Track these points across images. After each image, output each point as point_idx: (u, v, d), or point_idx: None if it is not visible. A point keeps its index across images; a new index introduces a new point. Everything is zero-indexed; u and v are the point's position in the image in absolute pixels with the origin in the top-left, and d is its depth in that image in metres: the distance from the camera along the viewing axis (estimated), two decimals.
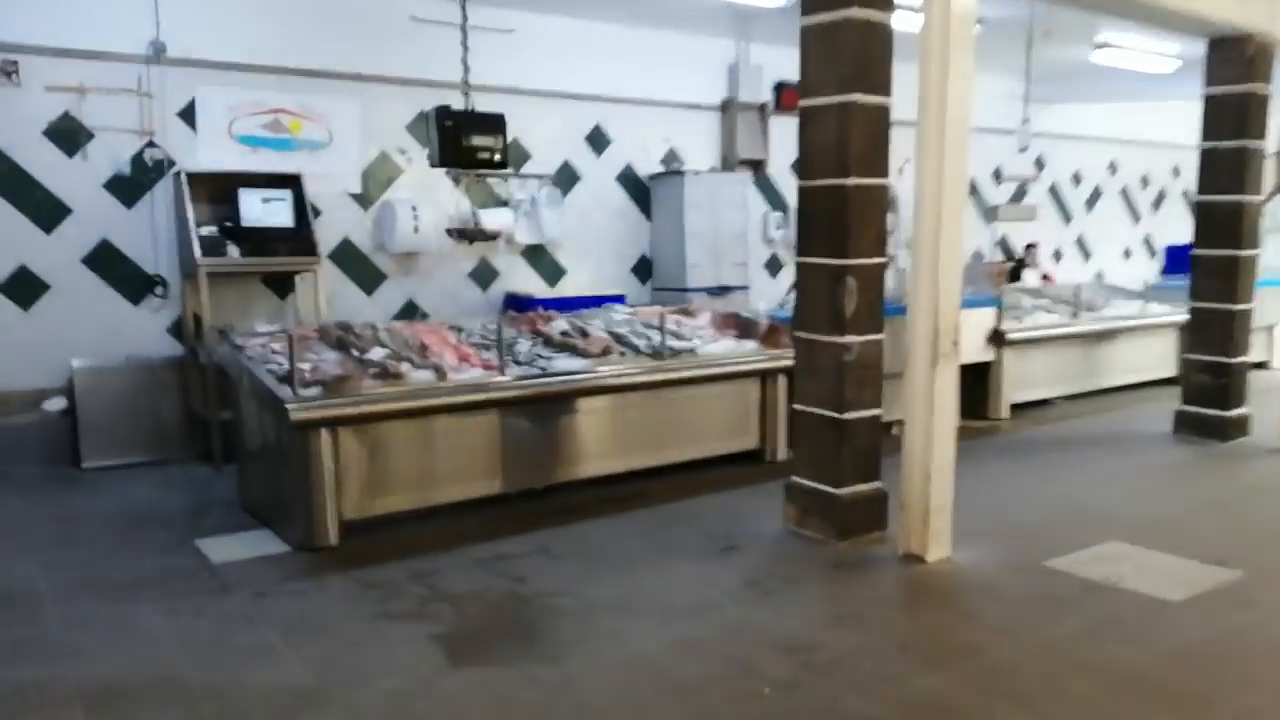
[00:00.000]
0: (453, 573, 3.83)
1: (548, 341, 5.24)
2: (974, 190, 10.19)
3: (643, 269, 8.44)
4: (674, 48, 8.23)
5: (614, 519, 4.56)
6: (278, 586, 3.71)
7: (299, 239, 6.29)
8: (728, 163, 8.72)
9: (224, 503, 4.96)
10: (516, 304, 7.51)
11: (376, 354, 4.62)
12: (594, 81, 7.90)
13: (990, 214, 9.45)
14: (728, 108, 8.70)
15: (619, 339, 5.30)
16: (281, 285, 6.65)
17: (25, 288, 5.80)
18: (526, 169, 7.66)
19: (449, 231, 5.41)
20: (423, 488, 4.47)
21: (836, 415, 4.11)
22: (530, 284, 7.80)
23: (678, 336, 5.46)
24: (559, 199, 7.72)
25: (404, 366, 4.44)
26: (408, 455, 4.41)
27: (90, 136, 5.91)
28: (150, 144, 6.10)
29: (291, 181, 6.40)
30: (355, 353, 4.68)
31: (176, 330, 6.24)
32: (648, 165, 8.33)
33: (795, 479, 4.32)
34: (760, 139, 8.80)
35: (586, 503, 4.78)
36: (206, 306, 5.83)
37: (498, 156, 5.44)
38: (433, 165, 5.32)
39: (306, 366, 4.33)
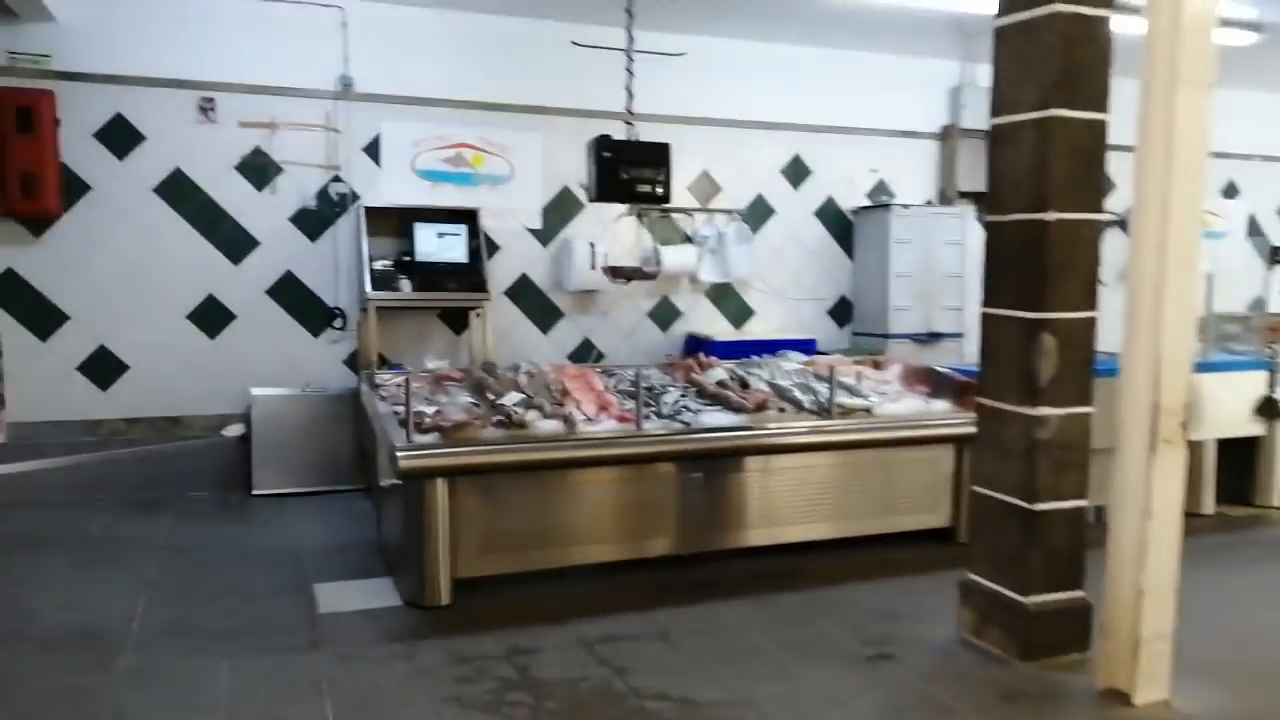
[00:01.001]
0: (551, 653, 3.45)
1: (700, 392, 4.78)
2: (1255, 229, 8.68)
3: (841, 311, 7.79)
4: (887, 70, 7.61)
5: (752, 601, 4.00)
6: (366, 650, 3.48)
7: (471, 274, 6.25)
8: (945, 195, 7.91)
9: (364, 544, 4.87)
10: (697, 346, 7.10)
11: (510, 399, 4.35)
12: (795, 109, 7.44)
13: (1274, 256, 7.98)
14: (947, 135, 7.91)
15: (780, 392, 4.74)
16: (457, 321, 6.63)
17: (213, 317, 6.09)
18: (715, 203, 7.28)
19: (605, 270, 5.07)
20: (545, 547, 4.13)
21: (1025, 505, 3.37)
22: (714, 325, 7.38)
23: (851, 392, 4.82)
24: (748, 235, 7.27)
25: (530, 415, 4.14)
26: (529, 511, 4.09)
27: (279, 171, 6.15)
28: (336, 178, 6.26)
29: (468, 216, 6.38)
30: (491, 397, 4.43)
31: (353, 362, 6.33)
32: (852, 198, 7.71)
33: (972, 576, 3.59)
34: (985, 169, 7.89)
35: (726, 578, 4.26)
36: (374, 340, 5.88)
37: (659, 190, 5.07)
38: (590, 199, 5.04)
39: (430, 410, 4.12)
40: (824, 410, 4.62)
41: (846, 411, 4.65)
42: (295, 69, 6.14)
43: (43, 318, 5.76)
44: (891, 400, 4.90)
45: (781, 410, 4.59)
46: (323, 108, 6.22)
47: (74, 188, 5.74)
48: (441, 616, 3.84)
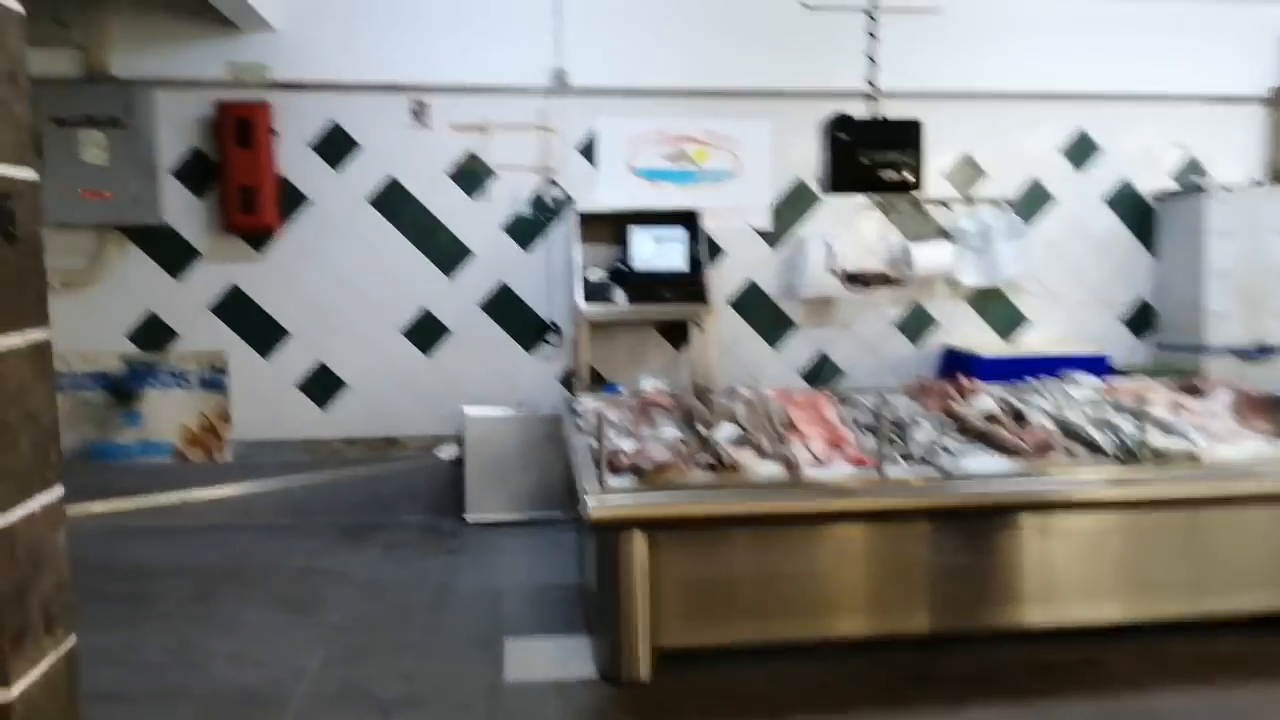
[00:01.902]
0: None
1: (962, 426, 3.91)
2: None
3: (1139, 319, 6.54)
4: (1198, 20, 6.31)
5: (1032, 708, 3.12)
6: None
7: (691, 283, 5.69)
8: (1278, 173, 6.42)
9: (567, 588, 4.42)
10: (956, 363, 6.15)
11: (722, 434, 3.72)
12: (1079, 75, 6.32)
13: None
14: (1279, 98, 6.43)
15: (1069, 429, 3.79)
16: (677, 334, 6.08)
17: (427, 332, 5.92)
18: (979, 191, 6.28)
19: (834, 273, 4.31)
20: (762, 618, 3.46)
21: None
22: (977, 337, 6.38)
23: (1166, 429, 3.77)
24: (1021, 228, 6.22)
25: (745, 454, 3.48)
26: (742, 573, 3.44)
27: (492, 176, 5.86)
28: (549, 182, 5.90)
29: (688, 218, 5.83)
30: (701, 430, 3.82)
31: (568, 380, 5.95)
32: (1152, 180, 6.46)
33: None
34: None
35: (994, 669, 3.41)
36: (585, 356, 5.47)
37: (908, 176, 4.24)
38: (823, 190, 4.30)
39: (630, 446, 3.56)
40: (1129, 454, 3.61)
41: (1160, 457, 3.62)
42: (507, 65, 5.84)
43: (265, 334, 5.81)
44: (1222, 440, 3.80)
45: (1071, 454, 3.64)
46: (535, 106, 5.88)
47: (292, 200, 5.74)
48: (639, 697, 3.27)
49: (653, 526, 3.32)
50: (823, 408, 4.11)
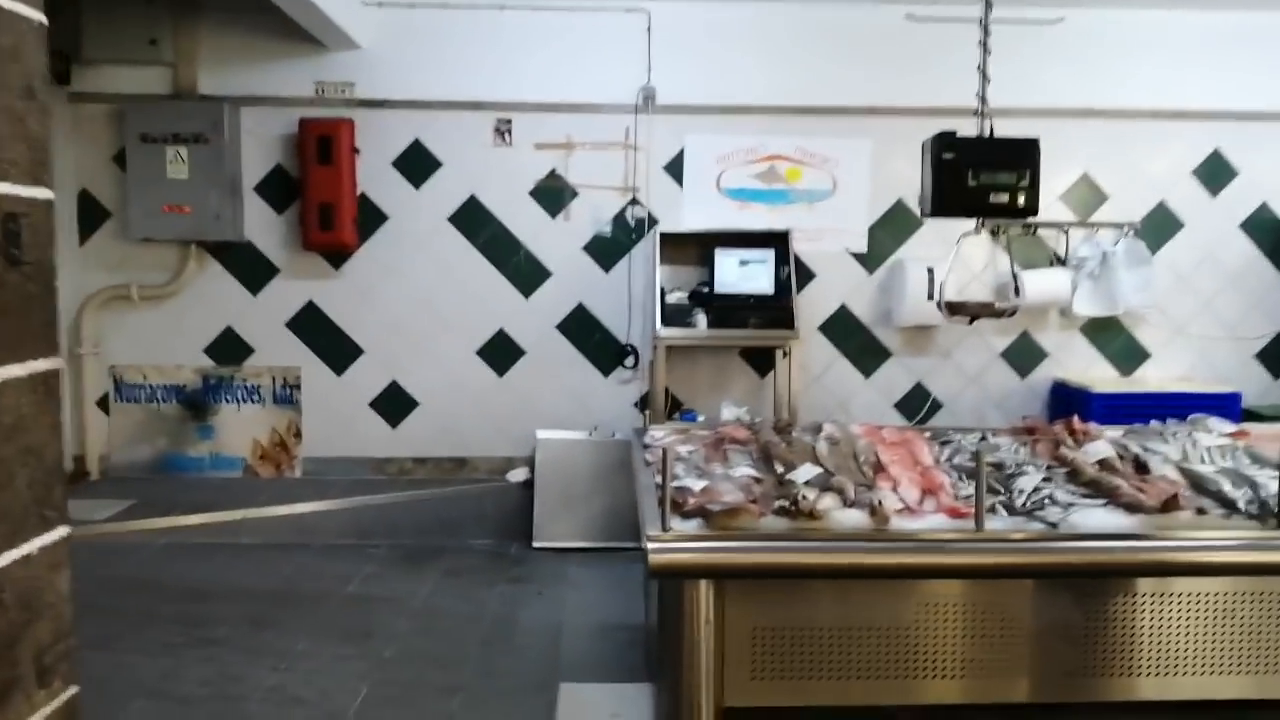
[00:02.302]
0: None
1: (1073, 474, 3.52)
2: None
3: (1276, 356, 5.94)
4: None
5: None
6: None
7: (777, 308, 5.42)
8: None
9: (632, 627, 4.17)
10: (1068, 399, 5.70)
11: (801, 476, 3.42)
12: (1214, 91, 5.82)
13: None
14: None
15: (1198, 483, 3.36)
16: (762, 360, 5.80)
17: (502, 353, 5.78)
18: (1100, 216, 5.83)
19: (943, 306, 3.96)
20: (840, 679, 3.14)
21: None
22: (1092, 371, 5.91)
23: None
24: (1145, 255, 5.74)
25: (826, 500, 3.17)
26: (818, 630, 3.13)
27: (574, 195, 5.72)
28: (633, 201, 5.72)
29: (777, 240, 5.56)
30: (779, 469, 3.53)
31: (644, 405, 5.71)
32: None
33: None
34: None
35: None
36: (661, 381, 5.25)
37: (1022, 200, 3.86)
38: (923, 213, 3.96)
39: (699, 485, 3.29)
40: (1267, 514, 3.17)
41: None
42: (594, 83, 5.68)
43: (339, 351, 5.75)
44: None
45: (1201, 512, 3.21)
46: (622, 124, 5.70)
47: (371, 218, 5.67)
48: None
49: (720, 575, 3.05)
50: (916, 448, 3.76)
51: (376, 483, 5.67)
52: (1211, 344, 5.93)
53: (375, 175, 5.66)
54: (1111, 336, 5.92)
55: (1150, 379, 5.88)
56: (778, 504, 3.18)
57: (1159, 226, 5.84)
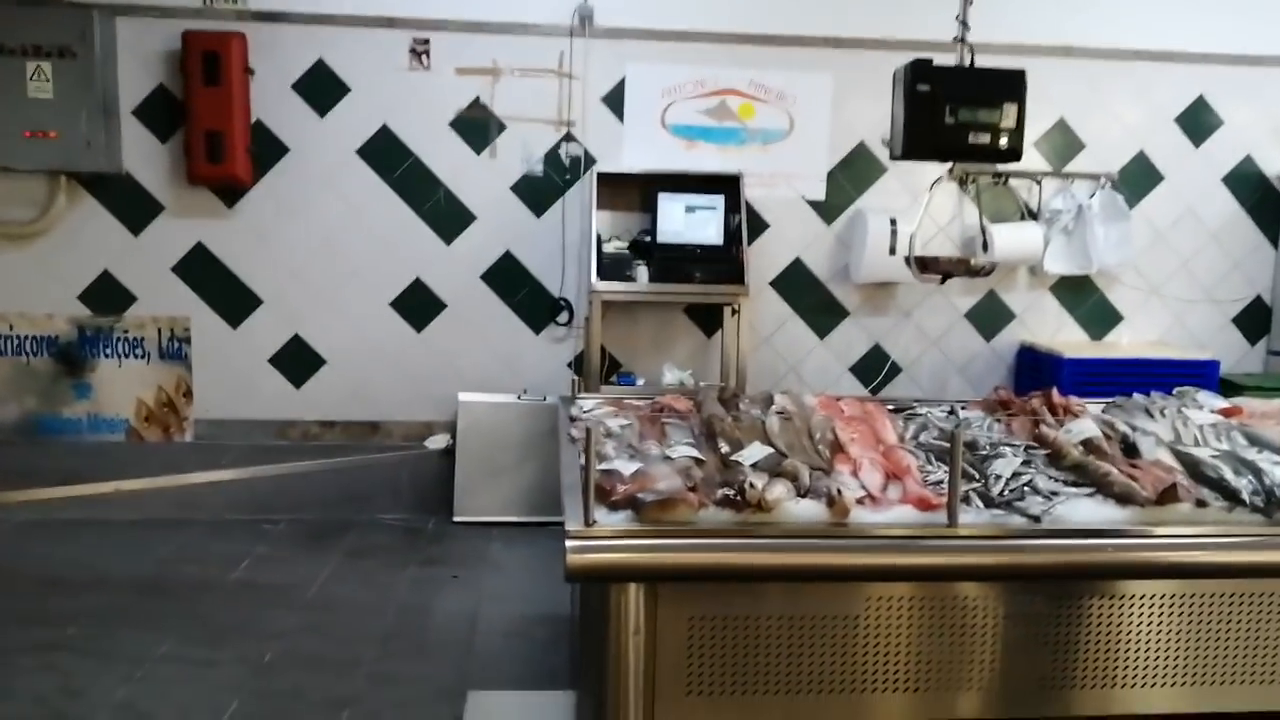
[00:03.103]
0: None
1: (1055, 457, 3.15)
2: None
3: (1254, 319, 5.70)
4: None
5: None
6: None
7: (726, 260, 4.97)
8: None
9: (557, 620, 3.75)
10: (1035, 364, 5.36)
11: (748, 457, 3.00)
12: (1200, 32, 5.44)
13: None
14: None
15: (1196, 470, 3.01)
16: (710, 318, 5.36)
17: (419, 306, 5.27)
18: (1075, 165, 5.45)
19: (912, 262, 3.54)
20: (789, 692, 2.77)
21: None
22: (1061, 334, 5.59)
23: None
24: (1122, 210, 5.38)
25: (776, 489, 2.76)
26: (768, 640, 2.74)
27: (501, 128, 5.17)
28: (568, 137, 5.19)
29: (727, 184, 5.09)
30: (724, 448, 3.10)
31: (580, 365, 5.24)
32: None
33: None
34: None
35: None
36: (597, 340, 4.79)
37: (1005, 141, 3.43)
38: (893, 155, 3.52)
39: (629, 470, 2.85)
40: (1273, 505, 2.84)
41: None
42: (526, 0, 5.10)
43: (233, 301, 5.17)
44: None
45: (1201, 504, 2.85)
46: (555, 48, 5.15)
47: (269, 149, 5.08)
48: None
49: (652, 577, 2.62)
50: (879, 424, 3.37)
51: (278, 449, 5.15)
52: (1187, 307, 5.62)
53: (272, 100, 5.05)
54: (1083, 297, 5.58)
55: (1123, 344, 5.57)
56: (721, 493, 2.75)
57: (1138, 178, 5.48)
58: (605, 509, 2.69)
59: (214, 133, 4.82)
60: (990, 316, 5.52)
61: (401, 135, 5.13)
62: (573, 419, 3.46)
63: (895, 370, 5.48)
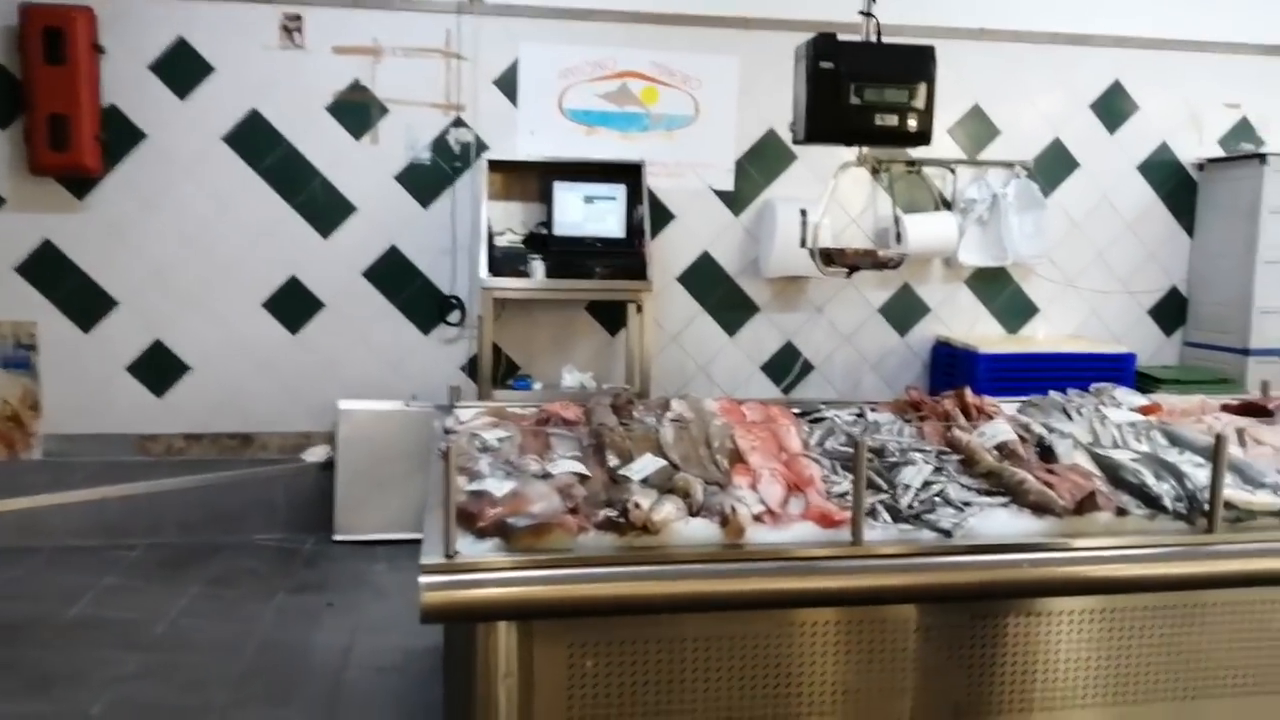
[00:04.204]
0: None
1: (968, 462, 2.96)
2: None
3: (1169, 311, 5.66)
4: None
5: None
6: None
7: (627, 255, 4.72)
8: None
9: (436, 656, 3.44)
10: (951, 360, 5.23)
11: (640, 469, 2.75)
12: (1116, 15, 5.37)
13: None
14: None
15: (1115, 474, 2.86)
16: (613, 316, 5.10)
17: (295, 306, 4.92)
18: (989, 153, 5.34)
19: (817, 255, 3.32)
20: None
21: None
22: (978, 328, 5.47)
23: (1246, 478, 2.86)
24: (1038, 199, 5.28)
25: (665, 508, 2.51)
26: (658, 676, 2.48)
27: (383, 113, 4.86)
28: (457, 122, 4.89)
29: (628, 173, 4.84)
30: (613, 461, 2.84)
31: (474, 369, 4.94)
32: (1197, 146, 5.52)
33: None
34: None
35: None
36: (488, 341, 4.51)
37: (914, 124, 3.24)
38: (796, 139, 3.31)
39: (502, 491, 2.57)
40: (1196, 512, 2.69)
41: (1239, 518, 2.72)
42: None
43: (85, 304, 4.76)
44: None
45: (1121, 512, 2.69)
46: (441, 26, 4.86)
47: (123, 135, 4.69)
48: None
49: (522, 615, 2.35)
50: (783, 433, 3.14)
51: (138, 466, 4.75)
52: (1103, 299, 5.57)
53: (127, 82, 4.65)
54: (998, 289, 5.48)
55: (1039, 337, 5.48)
56: (603, 514, 2.49)
57: (1053, 166, 5.40)
58: (472, 537, 2.43)
59: (58, 117, 4.40)
60: (904, 311, 5.38)
61: (273, 120, 4.77)
62: (447, 431, 3.17)
63: (807, 368, 5.31)
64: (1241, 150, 5.44)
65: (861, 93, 3.22)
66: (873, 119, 3.26)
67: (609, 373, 5.06)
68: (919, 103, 3.23)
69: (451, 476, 2.35)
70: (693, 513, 2.57)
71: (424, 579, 2.28)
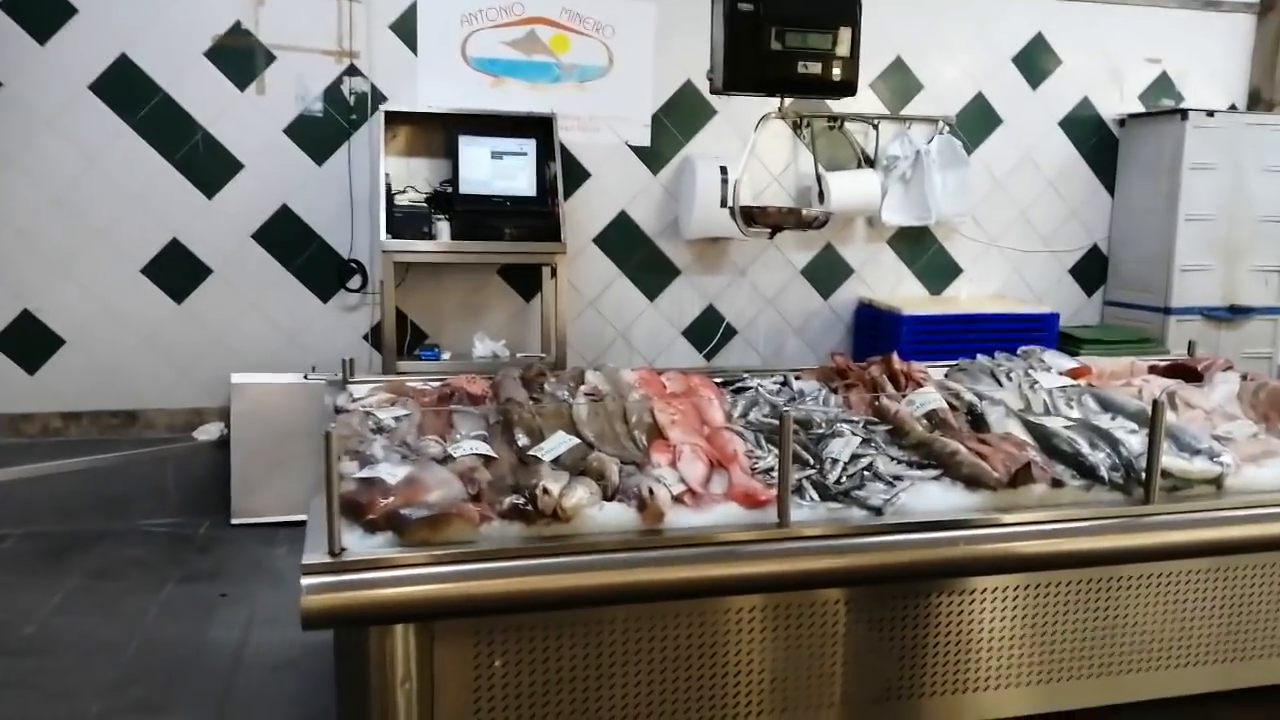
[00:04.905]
0: None
1: (897, 432, 2.83)
2: None
3: (1090, 270, 5.65)
4: None
5: None
6: None
7: (540, 215, 4.46)
8: (1261, 97, 5.55)
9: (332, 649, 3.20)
10: (874, 321, 5.12)
11: (552, 448, 2.55)
12: None
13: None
14: (1271, 6, 5.51)
15: (1049, 443, 2.75)
16: (527, 280, 4.85)
17: (179, 272, 4.56)
18: (912, 109, 5.20)
19: (737, 213, 3.13)
20: None
21: None
22: (901, 289, 5.38)
23: (1181, 445, 2.78)
24: (961, 156, 5.17)
25: (577, 492, 2.32)
26: (572, 677, 2.30)
27: (270, 59, 4.49)
28: (351, 70, 4.55)
29: (539, 127, 4.57)
30: (522, 440, 2.64)
31: (378, 337, 4.64)
32: (1117, 101, 5.47)
33: None
34: None
35: None
36: (390, 308, 4.23)
37: (837, 71, 3.06)
38: (714, 89, 3.10)
39: (395, 478, 2.34)
40: (1133, 481, 2.60)
41: (1176, 486, 2.64)
42: None
43: None
44: (1250, 456, 2.83)
45: (1057, 483, 2.59)
46: None
47: None
48: None
49: (423, 616, 2.14)
50: (705, 402, 2.96)
51: (10, 449, 4.36)
52: (1025, 258, 5.51)
53: None
54: (922, 250, 5.38)
55: (962, 298, 5.41)
56: (509, 502, 2.28)
57: (976, 122, 5.29)
58: (362, 530, 2.20)
59: None
60: (827, 272, 5.24)
61: (146, 67, 4.36)
62: (337, 410, 2.92)
63: (730, 333, 5.14)
64: (1162, 106, 5.41)
65: (783, 37, 3.02)
66: (795, 67, 3.06)
67: (524, 341, 4.82)
68: (843, 49, 3.05)
69: (334, 464, 2.12)
70: (608, 496, 2.39)
71: (306, 580, 2.06)
